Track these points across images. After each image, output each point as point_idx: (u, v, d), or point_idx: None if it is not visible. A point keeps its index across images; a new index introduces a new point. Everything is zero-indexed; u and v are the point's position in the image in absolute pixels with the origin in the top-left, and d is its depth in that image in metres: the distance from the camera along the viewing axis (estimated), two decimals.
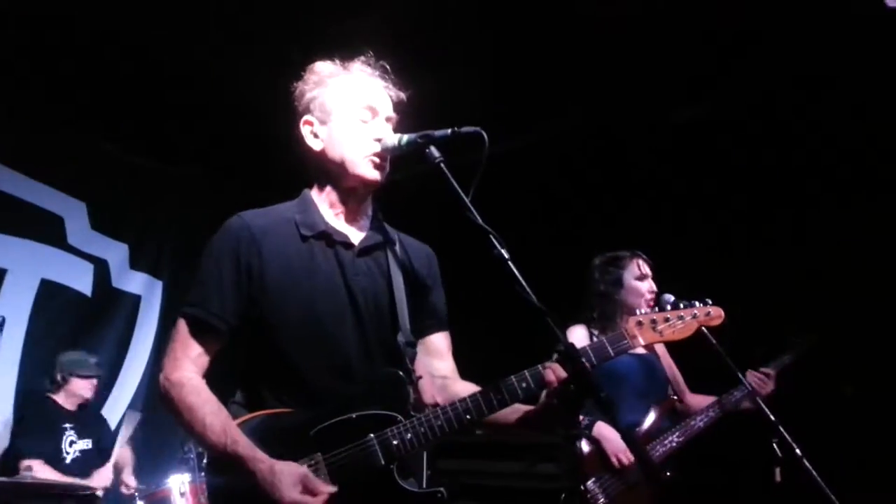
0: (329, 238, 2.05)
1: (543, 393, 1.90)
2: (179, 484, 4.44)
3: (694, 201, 5.04)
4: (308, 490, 1.76)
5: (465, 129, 1.85)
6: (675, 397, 3.57)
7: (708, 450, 3.40)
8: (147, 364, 5.95)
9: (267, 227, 2.04)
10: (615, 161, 5.38)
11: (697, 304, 2.10)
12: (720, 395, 3.42)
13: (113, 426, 5.54)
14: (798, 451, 2.96)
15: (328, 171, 2.10)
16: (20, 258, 5.27)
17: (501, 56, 4.70)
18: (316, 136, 2.09)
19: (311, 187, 2.16)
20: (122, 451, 5.24)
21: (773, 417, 3.09)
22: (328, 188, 2.11)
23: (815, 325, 3.75)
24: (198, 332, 1.96)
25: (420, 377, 2.04)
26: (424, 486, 1.93)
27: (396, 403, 1.92)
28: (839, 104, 4.55)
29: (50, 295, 5.42)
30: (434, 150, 1.87)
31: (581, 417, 3.09)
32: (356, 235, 2.10)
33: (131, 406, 5.80)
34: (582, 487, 3.08)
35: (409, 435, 1.87)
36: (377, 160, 2.04)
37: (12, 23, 4.38)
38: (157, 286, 6.16)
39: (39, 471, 4.52)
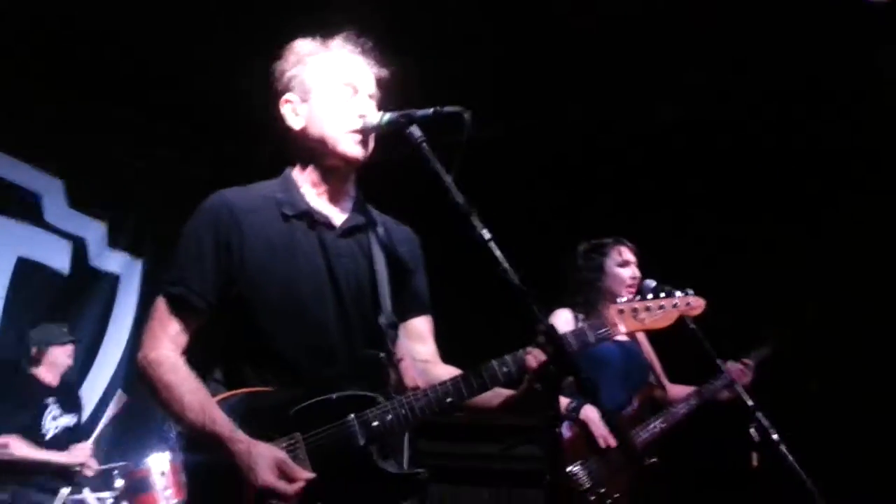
0: (311, 218, 2.03)
1: (526, 378, 1.90)
2: (160, 463, 4.42)
3: (680, 192, 5.07)
4: (285, 475, 1.74)
5: (448, 108, 1.83)
6: (655, 384, 3.60)
7: (687, 435, 3.44)
8: (126, 343, 5.90)
9: (247, 206, 2.01)
10: (601, 149, 5.38)
11: (678, 293, 2.09)
12: (699, 385, 3.45)
13: (92, 406, 5.50)
14: (775, 436, 3.00)
15: (310, 150, 2.07)
16: None
17: (493, 41, 4.69)
18: (296, 114, 2.06)
19: (293, 166, 2.12)
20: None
21: (750, 403, 3.12)
22: (310, 167, 2.08)
23: (793, 318, 3.81)
24: (177, 310, 1.94)
25: (401, 359, 2.03)
26: (404, 467, 1.93)
27: (377, 384, 1.92)
28: (829, 102, 4.59)
29: (27, 273, 5.36)
30: (415, 130, 1.84)
31: (568, 401, 3.11)
32: (338, 216, 2.08)
33: (110, 385, 5.76)
34: (567, 470, 3.11)
35: (390, 416, 1.85)
36: (359, 136, 2.01)
37: None
38: (137, 265, 6.11)
39: (17, 446, 4.48)
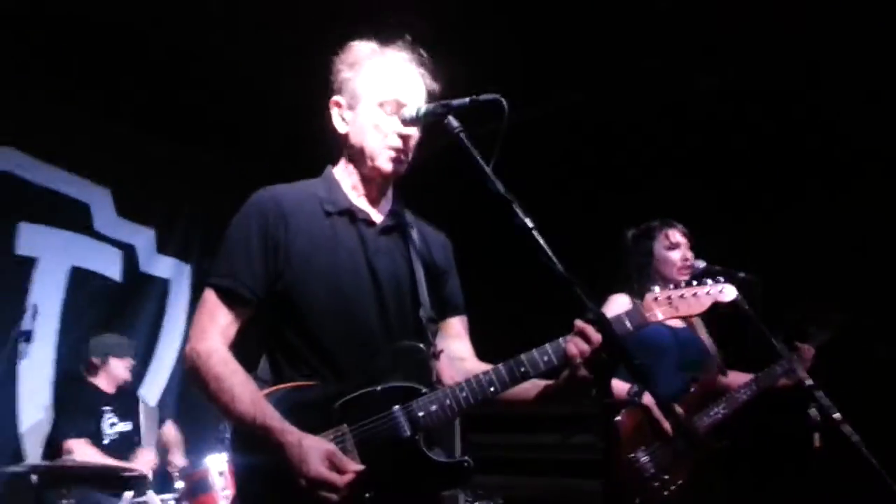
0: (352, 215, 2.08)
1: (567, 366, 1.89)
2: (217, 463, 4.48)
3: (726, 168, 4.93)
4: (335, 467, 1.75)
5: (485, 96, 1.81)
6: (714, 371, 3.53)
7: (748, 418, 3.38)
8: (180, 346, 6.01)
9: (292, 202, 2.06)
10: (641, 129, 5.27)
11: (709, 281, 2.14)
12: (759, 371, 3.40)
13: (148, 410, 5.61)
14: (836, 415, 2.93)
15: (351, 154, 2.13)
16: (49, 246, 5.33)
17: (520, 22, 4.61)
18: (342, 119, 2.12)
19: (334, 164, 2.18)
20: (168, 430, 5.30)
21: (809, 383, 3.06)
22: (351, 168, 2.14)
23: (847, 299, 3.70)
24: (226, 303, 1.96)
25: (441, 351, 2.06)
26: (452, 456, 1.93)
27: (420, 376, 1.94)
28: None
29: (81, 282, 5.49)
30: (453, 120, 1.84)
31: (629, 386, 3.11)
32: (377, 216, 2.13)
33: (166, 389, 5.88)
34: (630, 457, 3.08)
35: (435, 406, 1.88)
36: (395, 154, 2.05)
37: (36, 15, 4.39)
38: (186, 269, 6.21)
39: (84, 451, 4.60)
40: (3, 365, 4.66)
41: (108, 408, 4.94)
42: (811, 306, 3.68)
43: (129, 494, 4.44)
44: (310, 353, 1.96)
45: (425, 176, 2.19)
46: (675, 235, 3.52)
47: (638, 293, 3.45)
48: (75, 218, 5.53)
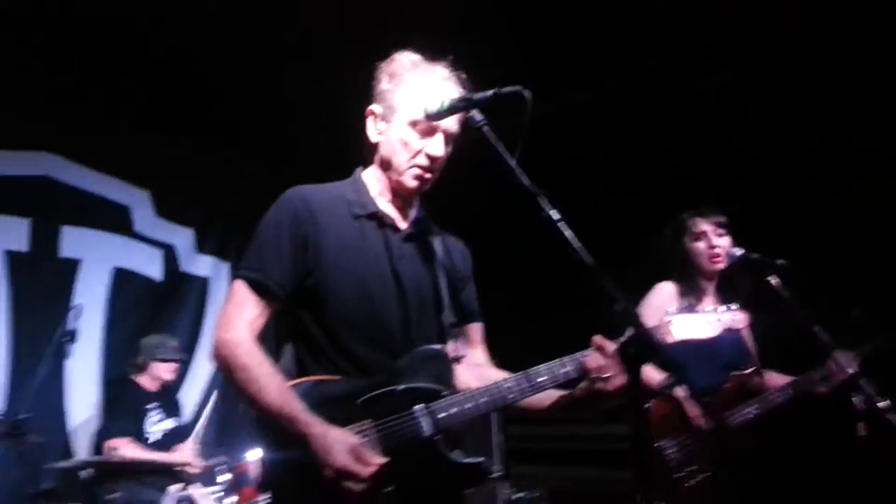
0: (379, 220, 2.11)
1: (586, 378, 1.94)
2: (258, 456, 4.53)
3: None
4: (360, 458, 1.78)
5: (507, 89, 1.81)
6: (752, 370, 3.47)
7: (781, 419, 3.33)
8: None
9: (322, 202, 2.09)
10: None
11: (721, 307, 2.21)
12: (798, 375, 3.35)
13: (191, 406, 5.72)
14: (882, 403, 2.87)
15: (380, 163, 2.16)
16: (92, 248, 5.48)
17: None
18: (376, 129, 2.14)
19: (363, 168, 2.21)
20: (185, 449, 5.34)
21: (851, 372, 3.01)
22: (380, 174, 2.16)
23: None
24: (255, 296, 1.98)
25: (464, 356, 2.11)
26: (470, 456, 1.96)
27: (440, 378, 1.98)
28: None
29: (123, 282, 5.62)
30: (476, 114, 1.85)
31: (664, 376, 3.12)
32: (402, 223, 2.16)
33: (209, 386, 5.97)
34: (657, 445, 3.07)
35: (455, 409, 1.92)
36: (420, 171, 2.07)
37: (70, 22, 4.47)
38: (224, 267, 6.31)
39: (127, 448, 4.70)
40: (50, 364, 4.77)
41: (152, 405, 5.04)
42: (857, 314, 3.56)
43: (173, 488, 4.53)
44: (333, 349, 1.99)
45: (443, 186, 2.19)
46: (701, 225, 3.49)
47: (684, 283, 3.48)
48: (116, 220, 5.66)
